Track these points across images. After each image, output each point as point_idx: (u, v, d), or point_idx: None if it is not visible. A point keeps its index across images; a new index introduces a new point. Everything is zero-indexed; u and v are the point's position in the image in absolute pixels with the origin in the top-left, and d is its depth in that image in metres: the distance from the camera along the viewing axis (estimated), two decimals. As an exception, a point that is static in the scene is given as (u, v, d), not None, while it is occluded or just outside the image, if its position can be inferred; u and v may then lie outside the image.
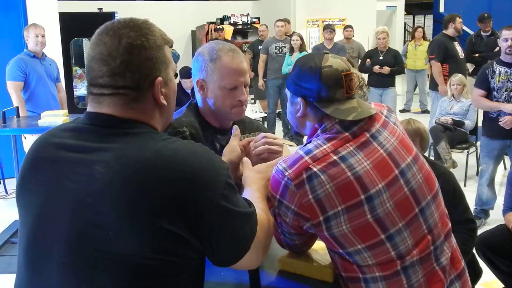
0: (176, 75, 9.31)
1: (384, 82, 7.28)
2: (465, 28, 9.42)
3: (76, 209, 1.08)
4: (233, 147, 1.69)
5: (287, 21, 8.70)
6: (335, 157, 1.41)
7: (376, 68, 7.23)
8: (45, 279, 1.12)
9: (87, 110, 1.19)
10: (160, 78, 1.17)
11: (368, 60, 7.45)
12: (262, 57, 7.86)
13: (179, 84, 6.61)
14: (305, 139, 1.62)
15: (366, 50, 8.27)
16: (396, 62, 7.34)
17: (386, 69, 7.18)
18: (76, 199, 1.09)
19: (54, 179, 1.13)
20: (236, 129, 1.72)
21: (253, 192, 1.42)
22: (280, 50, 7.71)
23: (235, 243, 1.15)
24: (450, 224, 1.61)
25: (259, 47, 8.30)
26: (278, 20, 7.96)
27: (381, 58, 7.32)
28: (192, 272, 1.14)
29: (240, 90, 1.84)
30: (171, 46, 1.26)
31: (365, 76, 7.67)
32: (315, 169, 1.39)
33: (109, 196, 1.06)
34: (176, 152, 1.11)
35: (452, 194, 2.64)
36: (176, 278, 1.09)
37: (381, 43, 7.37)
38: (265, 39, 8.40)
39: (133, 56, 1.13)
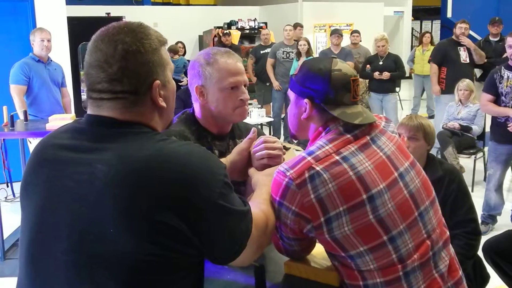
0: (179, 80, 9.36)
1: (385, 87, 7.28)
2: (473, 33, 9.39)
3: (78, 208, 1.10)
4: (240, 149, 1.69)
5: (299, 25, 8.71)
6: (337, 157, 1.42)
7: (376, 74, 7.22)
8: (48, 277, 1.13)
9: (87, 112, 1.21)
10: (158, 81, 1.19)
11: (368, 66, 7.45)
12: (270, 61, 7.86)
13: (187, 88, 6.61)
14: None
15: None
16: (396, 66, 7.31)
17: (386, 75, 7.16)
18: (78, 198, 1.10)
19: (56, 179, 1.15)
20: (253, 132, 1.71)
21: (263, 194, 1.46)
22: (288, 55, 7.73)
23: (232, 241, 1.18)
24: (448, 233, 1.61)
25: (261, 52, 8.30)
26: (287, 25, 7.97)
27: (381, 63, 7.30)
28: (192, 271, 1.16)
29: (240, 90, 1.84)
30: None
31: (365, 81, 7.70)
32: (317, 168, 1.40)
33: (109, 194, 1.07)
34: (175, 152, 1.13)
35: (457, 192, 2.59)
36: (176, 276, 1.11)
37: (380, 50, 7.37)
38: (269, 43, 8.41)
39: (129, 61, 1.15)
